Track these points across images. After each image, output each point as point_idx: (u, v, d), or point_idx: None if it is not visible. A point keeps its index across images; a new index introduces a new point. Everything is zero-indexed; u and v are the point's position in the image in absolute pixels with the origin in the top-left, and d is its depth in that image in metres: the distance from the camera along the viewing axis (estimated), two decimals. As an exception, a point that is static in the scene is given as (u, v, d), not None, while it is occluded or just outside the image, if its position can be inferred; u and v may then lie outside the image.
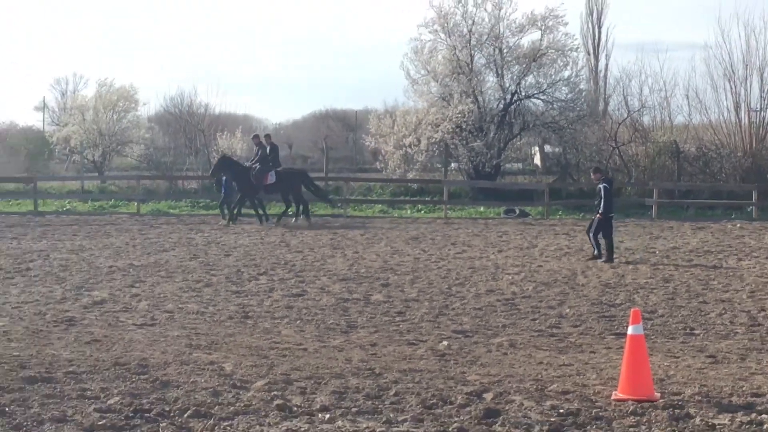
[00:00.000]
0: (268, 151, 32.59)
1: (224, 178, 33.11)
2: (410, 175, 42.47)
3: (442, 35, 42.72)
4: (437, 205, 38.99)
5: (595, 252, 23.13)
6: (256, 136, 34.24)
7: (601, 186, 23.26)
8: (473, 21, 42.40)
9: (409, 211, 38.54)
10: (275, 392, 10.04)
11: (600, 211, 23.06)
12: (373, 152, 48.73)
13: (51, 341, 13.04)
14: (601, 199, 23.08)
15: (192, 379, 10.56)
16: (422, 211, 38.54)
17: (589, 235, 23.58)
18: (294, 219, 32.26)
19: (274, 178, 31.94)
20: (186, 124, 50.95)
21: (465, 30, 42.35)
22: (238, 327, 14.43)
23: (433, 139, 41.84)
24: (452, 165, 44.78)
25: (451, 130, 41.47)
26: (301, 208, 32.45)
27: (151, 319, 14.93)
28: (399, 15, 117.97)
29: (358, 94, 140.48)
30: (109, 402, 9.53)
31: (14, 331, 13.81)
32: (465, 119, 41.38)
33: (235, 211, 32.21)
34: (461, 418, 9.21)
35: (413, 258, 23.33)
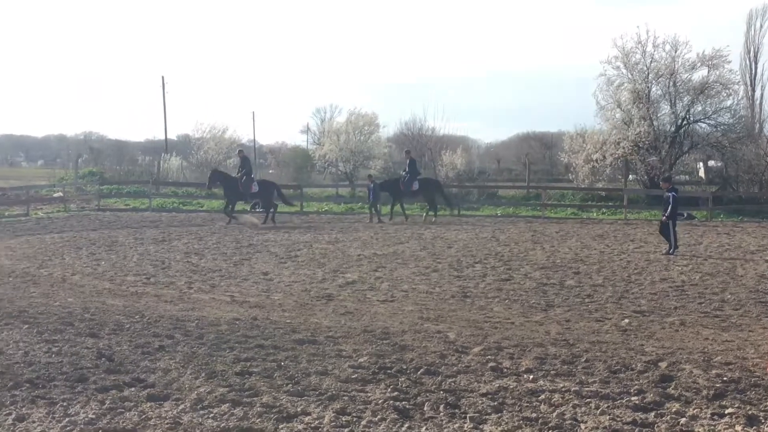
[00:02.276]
0: (240, 163, 32.40)
1: (371, 185, 33.34)
2: (597, 185, 41.70)
3: (624, 70, 41.82)
4: (618, 209, 38.13)
5: (669, 248, 22.35)
6: (241, 151, 34.35)
7: (670, 194, 22.44)
8: (652, 59, 41.30)
9: (595, 214, 37.81)
10: (489, 356, 10.02)
11: (666, 215, 22.31)
12: (566, 166, 48.01)
13: (314, 312, 13.39)
14: (669, 204, 22.26)
15: (423, 344, 10.65)
16: (606, 214, 37.73)
17: (663, 235, 22.80)
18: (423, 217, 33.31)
19: (257, 188, 31.64)
20: (417, 143, 51.45)
21: (644, 67, 41.31)
22: (458, 304, 14.45)
23: (616, 155, 41.01)
24: (631, 176, 43.84)
25: (630, 148, 40.60)
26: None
27: (390, 297, 15.11)
28: (584, 52, 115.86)
29: (552, 118, 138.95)
30: (359, 360, 9.71)
31: (286, 303, 14.25)
32: (642, 139, 40.41)
33: (228, 208, 31.78)
34: (641, 381, 8.97)
35: (599, 251, 22.84)
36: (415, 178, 33.14)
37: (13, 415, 7.49)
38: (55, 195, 42.81)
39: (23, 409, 7.72)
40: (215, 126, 55.62)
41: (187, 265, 19.32)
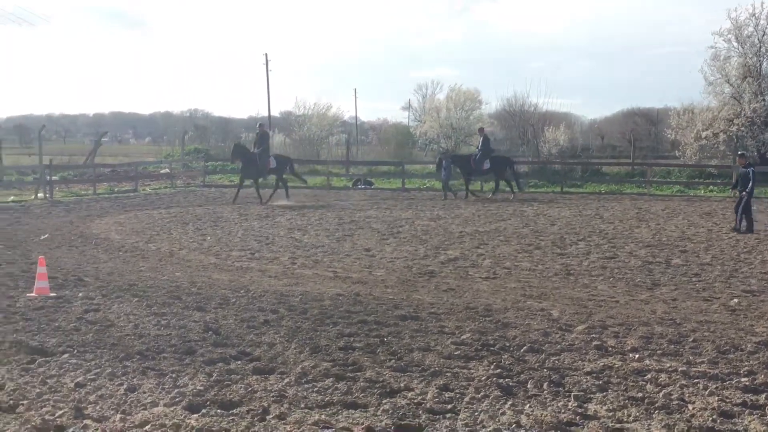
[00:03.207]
0: (257, 139, 31.39)
1: (444, 162, 32.91)
2: (707, 162, 40.64)
3: (735, 43, 40.49)
4: (727, 187, 37.06)
5: (738, 225, 21.77)
6: (261, 125, 33.00)
7: (749, 170, 21.83)
8: (764, 33, 39.90)
9: (702, 191, 36.83)
10: (593, 335, 9.90)
11: (746, 191, 21.66)
12: (672, 142, 46.85)
13: (416, 289, 13.43)
14: (749, 180, 21.67)
15: (526, 322, 10.58)
16: (714, 192, 36.73)
17: (737, 212, 22.10)
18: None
19: (275, 164, 30.64)
20: (519, 120, 50.93)
21: (756, 40, 39.95)
22: (562, 282, 14.30)
23: (728, 132, 39.86)
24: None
25: (742, 124, 39.39)
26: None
27: (493, 274, 15.05)
28: (691, 25, 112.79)
29: (658, 94, 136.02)
30: (462, 337, 9.71)
31: (389, 280, 14.33)
32: (756, 115, 39.17)
33: (238, 190, 31.08)
34: (750, 362, 8.74)
35: (707, 230, 22.28)
36: (487, 156, 32.77)
37: (125, 386, 7.72)
38: (162, 171, 43.86)
39: (134, 379, 7.95)
40: (319, 103, 56.14)
41: (291, 241, 19.58)
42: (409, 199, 32.53)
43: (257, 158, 30.34)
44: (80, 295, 12.14)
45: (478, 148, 33.73)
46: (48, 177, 33.03)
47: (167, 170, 43.08)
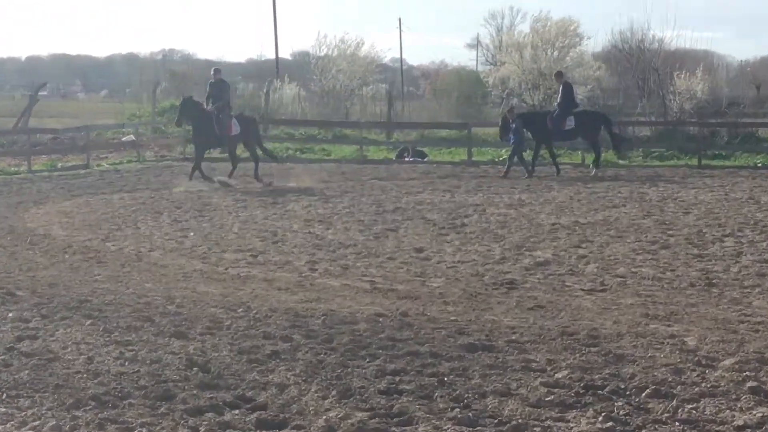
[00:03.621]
0: (209, 87, 30.99)
1: (512, 125, 32.39)
2: None
3: None
4: None
5: None
6: (218, 71, 31.83)
7: None
8: None
9: None
10: (747, 372, 9.81)
11: None
12: None
13: (490, 305, 13.40)
14: None
15: (649, 354, 10.53)
16: None
17: None
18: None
19: (238, 128, 30.08)
20: (637, 62, 50.60)
21: None
22: (701, 296, 14.17)
23: None
24: None
25: None
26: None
27: (600, 284, 14.96)
28: None
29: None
30: (556, 376, 9.68)
31: (450, 293, 14.31)
32: None
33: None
34: None
35: None
36: (569, 112, 32.37)
37: (75, 445, 7.81)
38: (125, 139, 44.17)
39: (88, 436, 8.03)
40: (346, 39, 56.01)
41: (309, 238, 19.64)
42: (478, 177, 32.50)
43: (214, 119, 29.76)
44: (10, 315, 12.26)
45: (557, 101, 33.54)
46: (-38, 148, 33.42)
47: (132, 137, 43.38)
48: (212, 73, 31.88)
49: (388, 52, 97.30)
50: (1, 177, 32.89)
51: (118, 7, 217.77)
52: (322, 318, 12.18)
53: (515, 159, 32.54)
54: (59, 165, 36.89)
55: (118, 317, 12.14)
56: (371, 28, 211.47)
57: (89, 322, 11.84)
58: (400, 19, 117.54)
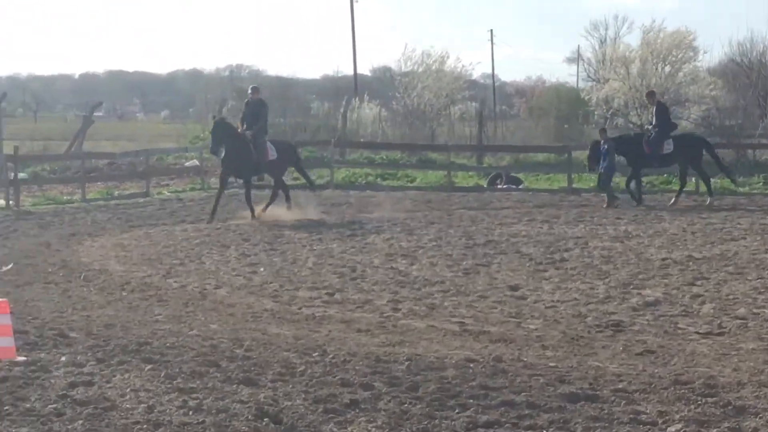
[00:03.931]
0: (244, 107, 30.45)
1: (604, 147, 31.94)
2: None
3: None
4: None
5: None
6: (255, 89, 31.45)
7: None
8: None
9: None
10: None
11: None
12: None
13: (594, 350, 13.34)
14: None
15: (774, 406, 10.43)
16: None
17: None
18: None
19: (275, 154, 29.56)
20: (758, 77, 50.17)
21: None
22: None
23: None
24: None
25: None
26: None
27: (718, 327, 14.82)
28: None
29: None
30: (669, 430, 9.61)
31: (549, 336, 14.26)
32: None
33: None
34: None
35: None
36: (667, 135, 32.06)
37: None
38: (188, 164, 44.57)
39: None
40: (430, 53, 56.05)
41: (392, 274, 19.67)
42: (579, 206, 32.36)
43: (251, 144, 29.27)
44: (63, 359, 12.37)
45: (650, 122, 33.28)
46: (11, 174, 33.78)
47: (195, 162, 43.72)
48: (249, 91, 31.65)
49: (477, 67, 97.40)
50: (53, 206, 33.24)
51: (181, 21, 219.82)
52: (406, 363, 12.18)
53: (611, 185, 32.43)
54: (116, 193, 37.25)
55: (180, 362, 12.21)
56: (460, 41, 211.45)
57: (149, 367, 11.93)
58: (491, 31, 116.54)
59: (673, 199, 32.42)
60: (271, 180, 31.23)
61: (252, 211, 29.03)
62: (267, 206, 29.94)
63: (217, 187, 32.46)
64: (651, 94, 35.19)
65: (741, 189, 36.29)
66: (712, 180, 33.41)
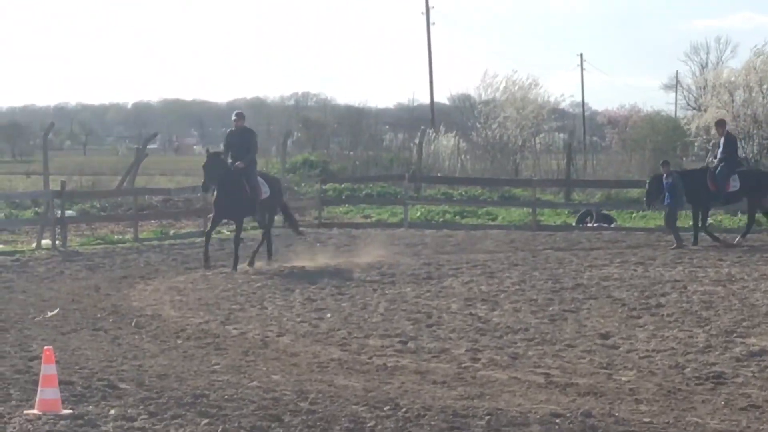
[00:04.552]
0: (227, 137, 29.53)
1: (668, 181, 31.79)
2: None
3: None
4: None
5: None
6: (240, 115, 29.94)
7: None
8: None
9: None
10: None
11: None
12: None
13: (693, 405, 13.26)
14: None
15: None
16: None
17: None
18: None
19: (268, 191, 28.84)
20: None
21: None
22: None
23: None
24: None
25: None
26: None
27: (832, 380, 14.72)
28: None
29: None
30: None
31: (643, 388, 14.18)
32: None
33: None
34: None
35: None
36: (733, 170, 31.76)
37: None
38: (250, 201, 44.68)
39: None
40: (513, 79, 55.96)
41: (470, 320, 19.66)
42: (677, 247, 32.19)
43: (244, 180, 28.45)
44: (112, 412, 12.43)
45: (715, 155, 32.98)
46: (58, 212, 34.03)
47: (257, 198, 43.87)
48: (233, 117, 30.17)
49: (566, 95, 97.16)
50: (103, 246, 33.49)
51: (242, 45, 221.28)
52: (487, 419, 12.17)
53: (673, 225, 32.61)
54: (171, 232, 37.47)
55: (240, 416, 12.26)
56: (546, 67, 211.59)
57: (206, 421, 11.98)
58: (581, 56, 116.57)
59: (738, 238, 32.27)
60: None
61: (236, 258, 28.26)
62: (254, 254, 29.26)
63: (280, 226, 32.53)
64: (721, 123, 34.80)
65: None
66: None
